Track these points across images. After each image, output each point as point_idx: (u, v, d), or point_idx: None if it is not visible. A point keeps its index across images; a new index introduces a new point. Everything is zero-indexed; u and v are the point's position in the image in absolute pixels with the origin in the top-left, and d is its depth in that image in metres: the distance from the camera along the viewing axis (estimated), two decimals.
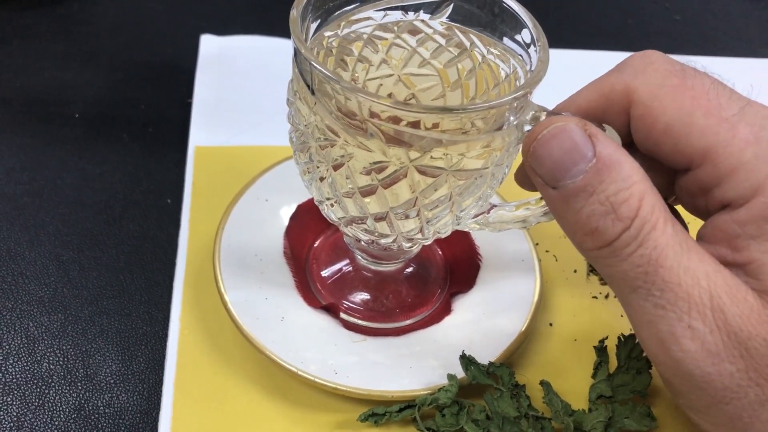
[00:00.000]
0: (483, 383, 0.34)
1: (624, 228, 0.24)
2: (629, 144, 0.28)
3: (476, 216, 0.34)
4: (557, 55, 0.58)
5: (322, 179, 0.30)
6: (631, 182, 0.24)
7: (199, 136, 0.47)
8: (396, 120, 0.26)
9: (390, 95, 0.32)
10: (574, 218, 0.25)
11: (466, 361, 0.34)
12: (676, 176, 0.28)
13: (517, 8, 0.30)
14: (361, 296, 0.38)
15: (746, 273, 0.24)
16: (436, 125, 0.27)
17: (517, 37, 0.31)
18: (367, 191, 0.29)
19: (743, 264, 0.24)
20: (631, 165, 0.24)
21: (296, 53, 0.28)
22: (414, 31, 0.33)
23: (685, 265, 0.24)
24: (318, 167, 0.29)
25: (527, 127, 0.29)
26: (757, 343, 0.23)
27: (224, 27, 0.56)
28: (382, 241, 0.32)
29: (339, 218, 0.32)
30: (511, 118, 0.28)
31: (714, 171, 0.25)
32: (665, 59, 0.27)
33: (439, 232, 0.32)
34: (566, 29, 0.63)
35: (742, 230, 0.24)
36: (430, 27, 0.33)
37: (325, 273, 0.39)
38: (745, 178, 0.24)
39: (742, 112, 0.25)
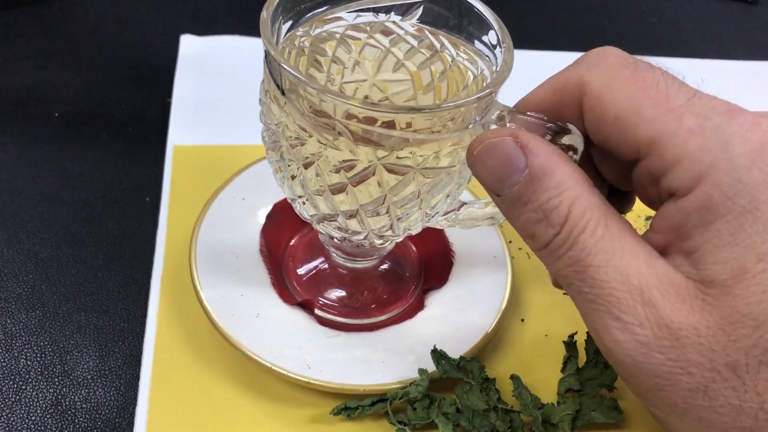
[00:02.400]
0: (454, 377, 0.34)
1: (555, 233, 0.25)
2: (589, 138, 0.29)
3: (446, 213, 0.34)
4: (534, 57, 0.60)
5: (293, 177, 0.30)
6: (561, 190, 0.25)
7: (178, 135, 0.47)
8: (371, 121, 0.27)
9: (366, 97, 0.33)
10: (515, 223, 0.27)
11: (437, 355, 0.35)
12: (631, 167, 0.29)
13: (483, 9, 0.31)
14: (336, 293, 0.39)
15: (690, 262, 0.25)
16: (409, 125, 0.28)
17: (485, 39, 0.31)
18: (337, 189, 0.30)
19: (689, 252, 0.25)
20: (564, 172, 0.26)
21: (267, 54, 0.29)
22: (386, 32, 0.33)
23: (615, 264, 0.25)
24: (289, 165, 0.30)
25: (493, 126, 0.30)
26: (687, 332, 0.24)
27: (204, 27, 0.56)
28: (354, 238, 0.33)
29: (311, 216, 0.32)
30: (477, 118, 0.29)
31: (660, 161, 0.25)
32: (620, 54, 0.27)
33: (409, 229, 0.32)
34: (544, 31, 0.64)
35: (687, 219, 0.25)
36: (401, 28, 0.33)
37: (300, 270, 0.40)
38: (689, 167, 0.24)
39: (690, 102, 0.25)
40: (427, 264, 0.41)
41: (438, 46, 0.33)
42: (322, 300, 0.39)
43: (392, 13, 0.33)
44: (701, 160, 0.24)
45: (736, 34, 0.68)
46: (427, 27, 0.33)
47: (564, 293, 0.41)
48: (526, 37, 0.61)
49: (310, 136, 0.28)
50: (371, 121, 0.27)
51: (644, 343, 0.24)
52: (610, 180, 0.31)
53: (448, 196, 0.31)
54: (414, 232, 0.33)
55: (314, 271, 0.40)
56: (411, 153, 0.28)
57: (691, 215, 0.24)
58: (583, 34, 0.65)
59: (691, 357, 0.24)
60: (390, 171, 0.28)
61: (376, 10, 0.33)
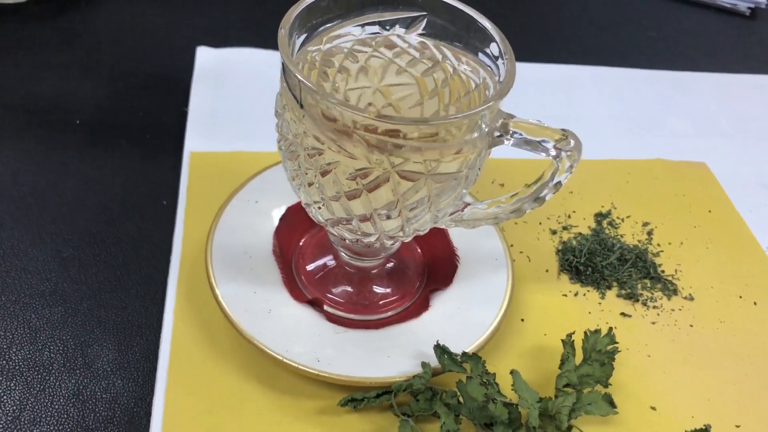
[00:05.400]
0: (455, 371, 0.36)
1: None
2: None
3: (452, 214, 0.36)
4: (537, 70, 0.62)
5: (310, 184, 0.32)
6: None
7: (194, 142, 0.49)
8: (385, 132, 0.29)
9: (370, 104, 0.35)
10: None
11: (440, 350, 0.36)
12: None
13: (485, 23, 0.33)
14: (344, 290, 0.41)
15: None
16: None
17: (486, 50, 0.33)
18: (353, 195, 0.32)
19: None
20: None
21: (284, 69, 0.31)
22: (390, 46, 0.35)
23: None
24: (306, 173, 0.32)
25: (497, 133, 0.32)
26: None
27: (220, 40, 0.59)
28: (366, 239, 0.35)
29: (326, 219, 0.34)
30: (483, 126, 0.31)
31: None
32: None
33: (418, 230, 0.34)
34: (546, 45, 0.66)
35: None
36: (405, 42, 0.35)
37: (310, 269, 0.42)
38: None
39: None
40: (432, 266, 0.43)
41: (439, 57, 0.35)
42: (330, 297, 0.40)
43: (397, 25, 0.35)
44: None
45: (733, 48, 0.70)
46: (430, 39, 0.35)
47: (563, 294, 0.43)
48: (526, 51, 0.64)
49: (328, 147, 0.30)
50: (384, 132, 0.29)
51: None
52: None
53: (455, 198, 0.33)
54: (422, 233, 0.35)
55: (323, 270, 0.42)
56: (423, 160, 0.30)
57: None
58: (583, 48, 0.67)
59: None
60: (403, 177, 0.30)
61: (381, 24, 0.35)
